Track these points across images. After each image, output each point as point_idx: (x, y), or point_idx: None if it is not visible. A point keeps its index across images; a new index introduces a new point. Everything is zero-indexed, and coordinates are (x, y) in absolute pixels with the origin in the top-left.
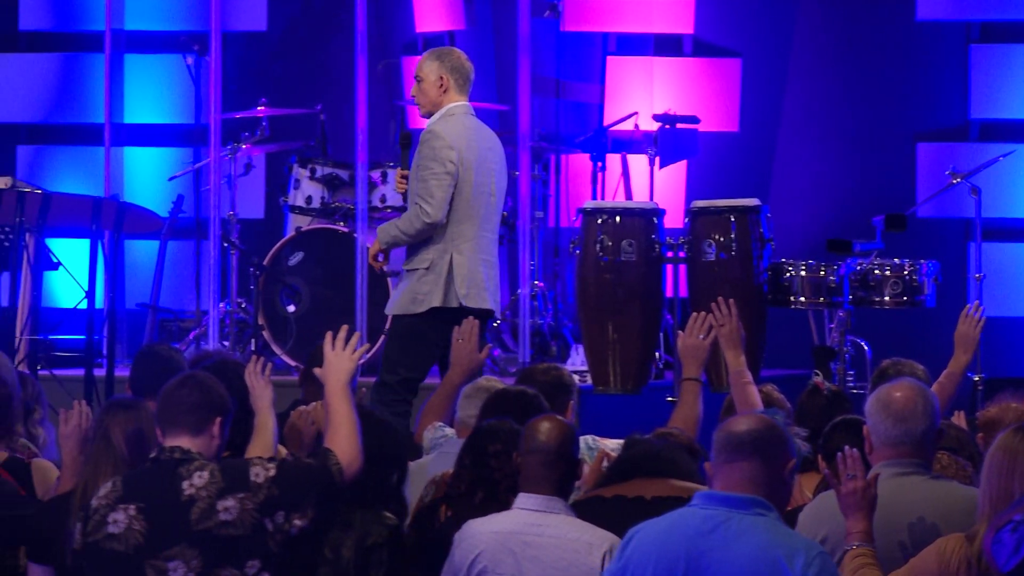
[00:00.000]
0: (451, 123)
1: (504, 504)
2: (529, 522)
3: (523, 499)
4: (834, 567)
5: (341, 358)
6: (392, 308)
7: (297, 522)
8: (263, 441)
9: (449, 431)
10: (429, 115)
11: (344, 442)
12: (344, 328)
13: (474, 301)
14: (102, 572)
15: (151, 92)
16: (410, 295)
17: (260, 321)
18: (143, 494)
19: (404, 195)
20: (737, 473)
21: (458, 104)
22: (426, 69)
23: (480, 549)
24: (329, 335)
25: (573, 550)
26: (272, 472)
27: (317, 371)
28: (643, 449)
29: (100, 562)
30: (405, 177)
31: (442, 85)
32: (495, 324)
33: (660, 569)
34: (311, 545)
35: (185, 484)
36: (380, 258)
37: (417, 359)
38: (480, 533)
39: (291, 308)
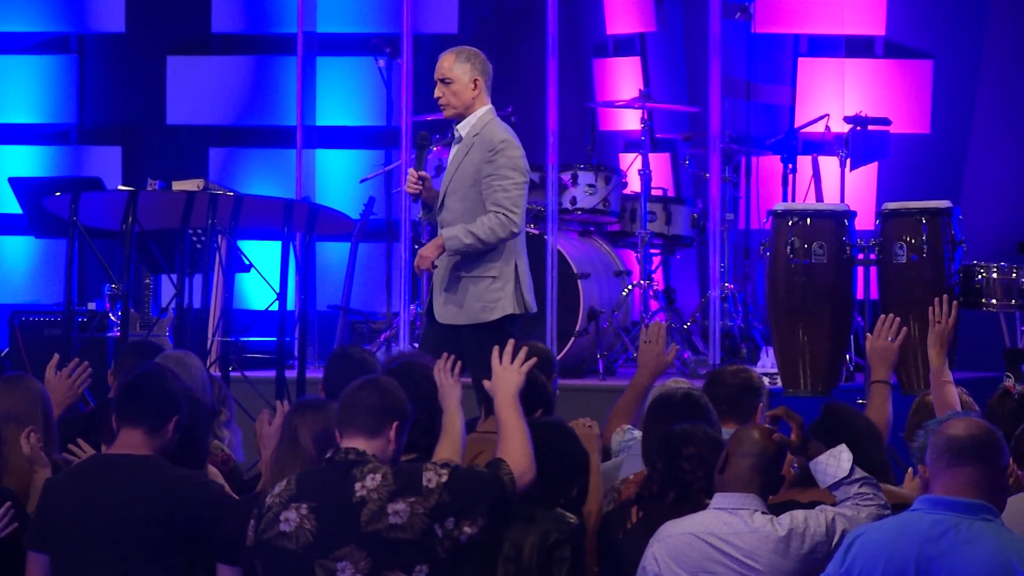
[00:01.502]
0: (505, 127)
1: (697, 505)
2: (726, 520)
3: (720, 499)
4: None
5: (509, 371)
6: (461, 318)
7: (467, 529)
8: (451, 440)
9: (637, 434)
10: (457, 117)
11: (516, 453)
12: (511, 342)
13: (532, 306)
14: (273, 569)
15: (343, 94)
16: (480, 303)
17: None
18: (316, 493)
19: (433, 199)
20: (961, 478)
21: (489, 108)
22: (457, 71)
23: (676, 549)
24: (496, 349)
25: (775, 541)
26: (444, 478)
27: (486, 384)
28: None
29: (271, 559)
30: (422, 179)
31: (475, 88)
32: (685, 326)
33: (889, 573)
34: (482, 554)
35: (357, 485)
36: (435, 264)
37: None
38: (677, 534)
39: None
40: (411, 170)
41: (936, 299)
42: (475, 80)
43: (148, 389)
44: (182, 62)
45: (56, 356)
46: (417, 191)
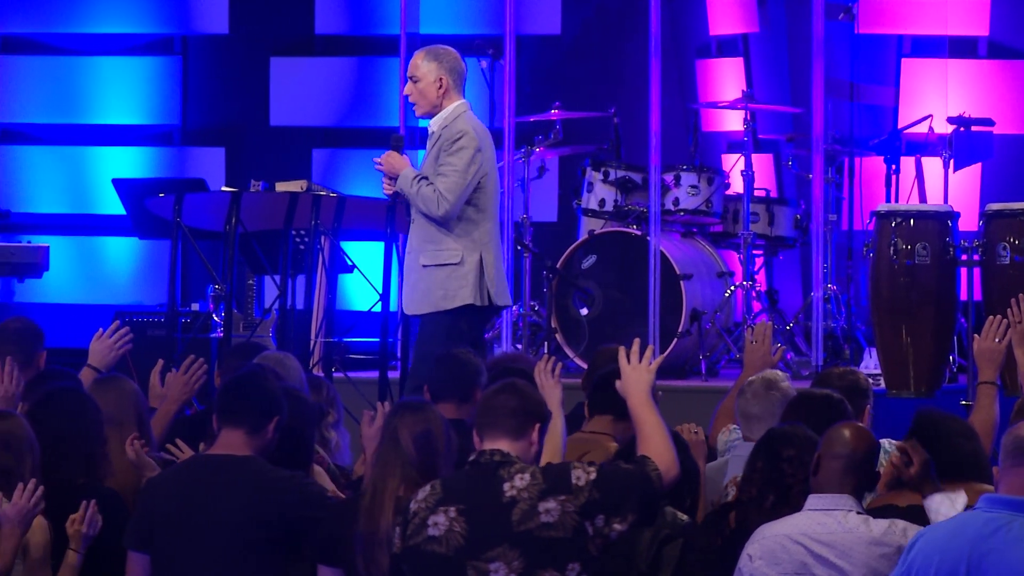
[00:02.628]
0: (472, 122)
1: (796, 509)
2: (820, 521)
3: (814, 500)
4: None
5: (639, 371)
6: (420, 307)
7: (617, 526)
8: (552, 441)
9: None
10: (427, 115)
11: (659, 449)
12: (636, 341)
13: (501, 299)
14: (423, 574)
15: None
16: (440, 291)
17: (553, 324)
18: (463, 496)
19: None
20: (1020, 477)
21: (461, 103)
22: (424, 69)
23: (771, 551)
24: (622, 350)
25: (868, 542)
26: (592, 476)
27: (618, 385)
28: (951, 456)
29: (421, 565)
30: (393, 178)
31: (441, 86)
32: (788, 327)
33: (942, 572)
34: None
35: (506, 486)
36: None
37: None
38: (771, 535)
39: (584, 311)
40: (384, 177)
41: (1012, 299)
42: (440, 79)
43: (249, 390)
44: (285, 63)
45: (160, 362)
46: (391, 192)
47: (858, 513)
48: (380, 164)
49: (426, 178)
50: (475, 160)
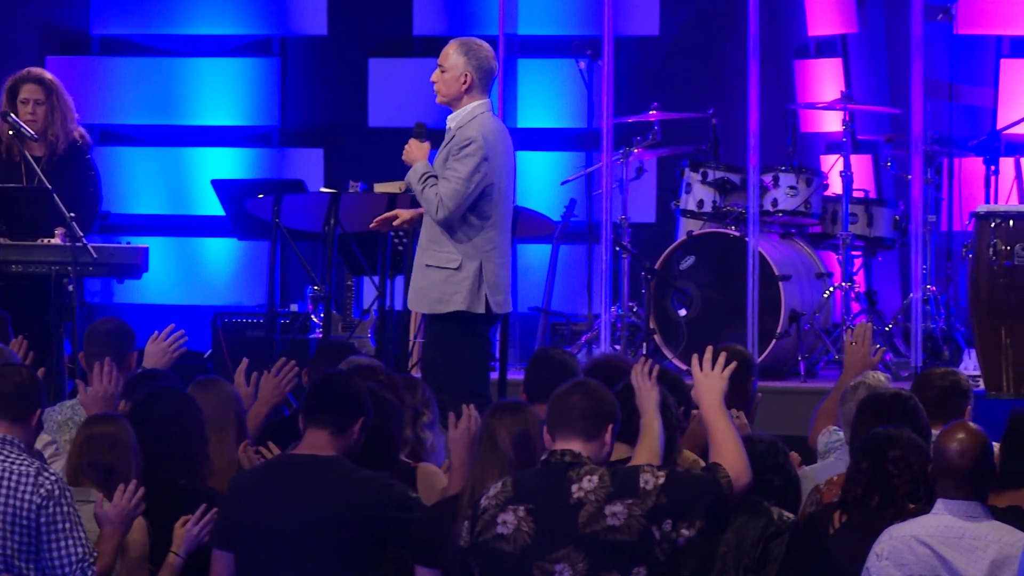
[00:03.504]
0: (485, 128)
1: (901, 509)
2: (947, 524)
3: (941, 504)
4: None
5: (711, 378)
6: (418, 305)
7: (684, 532)
8: (649, 444)
9: (843, 435)
10: (446, 105)
11: (731, 457)
12: (709, 349)
13: (502, 307)
14: (490, 571)
15: (544, 96)
16: (437, 294)
17: (651, 325)
18: (532, 495)
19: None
20: None
21: (481, 103)
22: (452, 60)
23: (897, 552)
24: (695, 357)
25: (990, 547)
26: (661, 480)
27: (693, 393)
28: None
29: (488, 561)
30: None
31: (464, 81)
32: (887, 328)
33: None
34: (699, 556)
35: (574, 487)
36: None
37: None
38: (899, 536)
39: (682, 312)
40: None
41: None
42: (466, 74)
43: (335, 390)
44: (384, 64)
45: (245, 361)
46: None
47: (986, 519)
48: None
49: (435, 176)
50: (480, 169)
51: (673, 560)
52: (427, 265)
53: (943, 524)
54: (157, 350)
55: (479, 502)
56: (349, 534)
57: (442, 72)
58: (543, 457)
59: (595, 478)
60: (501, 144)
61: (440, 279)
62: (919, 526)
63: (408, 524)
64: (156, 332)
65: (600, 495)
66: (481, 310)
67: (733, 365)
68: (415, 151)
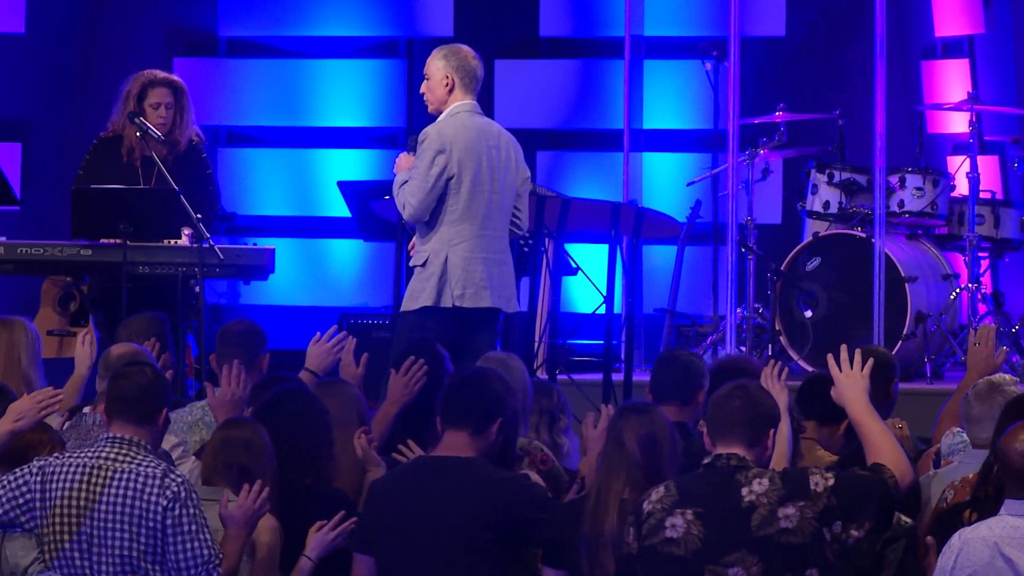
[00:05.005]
0: (449, 124)
1: None
2: (1014, 525)
3: (1009, 504)
4: None
5: (852, 377)
6: (405, 305)
7: (854, 532)
8: (778, 447)
9: (967, 438)
10: (438, 113)
11: (891, 456)
12: (843, 348)
13: (471, 301)
14: (659, 575)
15: (669, 97)
16: (409, 291)
17: (777, 326)
18: (700, 499)
19: None
20: None
21: (462, 103)
22: (432, 68)
23: (966, 553)
24: (831, 357)
25: None
26: (831, 482)
27: (833, 393)
28: None
29: (657, 566)
30: None
31: (448, 84)
32: (1014, 330)
33: None
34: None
35: (744, 491)
36: None
37: None
38: (969, 537)
39: (808, 313)
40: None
41: None
42: (447, 76)
43: (473, 391)
44: (509, 65)
45: (318, 334)
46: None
47: None
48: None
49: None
50: (436, 162)
51: (842, 561)
52: (411, 266)
53: (1009, 525)
54: (319, 352)
55: (641, 507)
56: (490, 535)
57: (427, 81)
58: (705, 461)
59: (765, 481)
60: (464, 138)
61: (414, 276)
62: (986, 528)
63: (544, 524)
64: (318, 334)
65: (772, 498)
66: (448, 303)
67: (871, 362)
68: (402, 162)
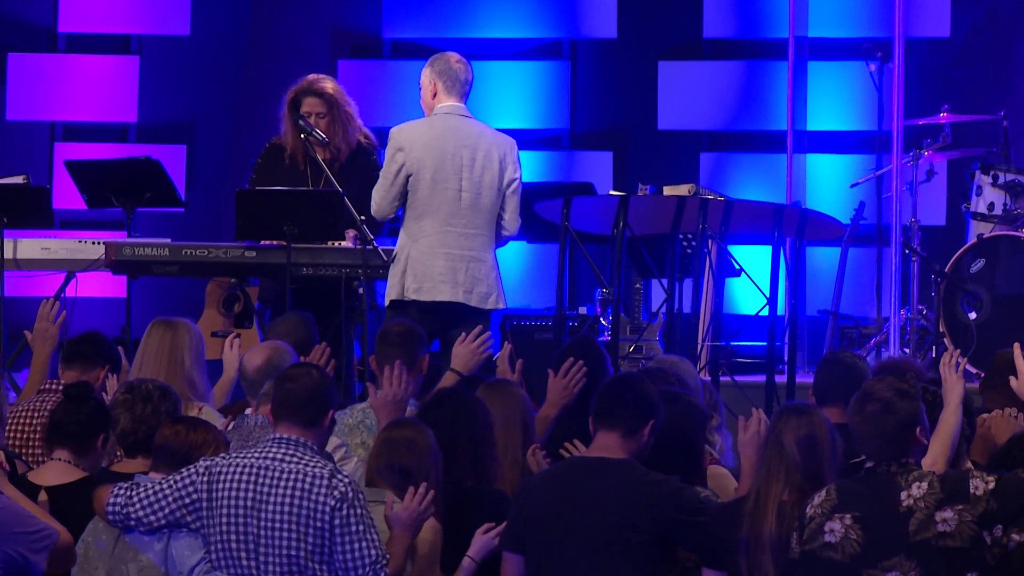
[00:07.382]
0: (414, 124)
1: None
2: None
3: None
4: None
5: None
6: None
7: (1015, 536)
8: (941, 438)
9: None
10: None
11: None
12: (1016, 346)
13: (427, 295)
14: None
15: (833, 99)
16: (388, 288)
17: (941, 328)
18: (859, 503)
19: None
20: None
21: (444, 105)
22: (422, 77)
23: None
24: (1017, 347)
25: None
26: (991, 485)
27: (1013, 383)
28: None
29: (817, 570)
30: None
31: (432, 89)
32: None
33: None
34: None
35: (903, 495)
36: None
37: None
38: None
39: (972, 315)
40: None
41: None
42: (432, 82)
43: (625, 392)
44: (674, 67)
45: (463, 334)
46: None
47: None
48: None
49: None
50: (395, 159)
51: (1003, 564)
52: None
53: None
54: (464, 352)
55: (804, 511)
56: (640, 537)
57: (420, 90)
58: (867, 465)
59: (924, 484)
60: (426, 136)
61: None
62: None
63: (698, 527)
64: (463, 333)
65: (930, 502)
66: (409, 296)
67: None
68: None
